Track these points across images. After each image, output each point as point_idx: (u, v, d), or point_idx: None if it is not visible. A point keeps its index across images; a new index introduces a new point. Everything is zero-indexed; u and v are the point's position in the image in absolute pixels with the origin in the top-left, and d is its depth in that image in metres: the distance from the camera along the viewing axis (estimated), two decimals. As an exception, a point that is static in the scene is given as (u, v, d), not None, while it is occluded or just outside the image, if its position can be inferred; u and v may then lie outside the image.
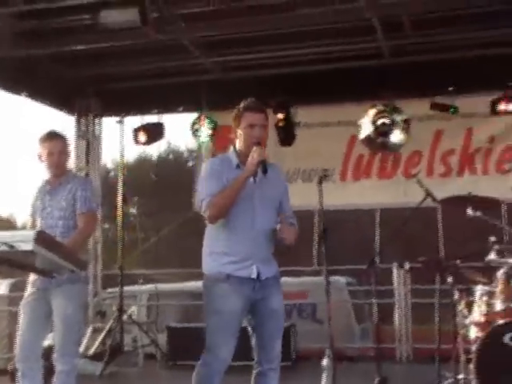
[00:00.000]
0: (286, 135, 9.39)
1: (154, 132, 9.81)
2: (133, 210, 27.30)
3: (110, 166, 24.60)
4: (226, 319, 4.26)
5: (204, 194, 4.27)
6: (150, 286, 12.25)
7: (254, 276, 4.26)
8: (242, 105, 4.38)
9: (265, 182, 4.30)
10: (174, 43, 8.44)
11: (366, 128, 8.99)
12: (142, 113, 10.02)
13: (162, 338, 9.36)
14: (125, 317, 9.28)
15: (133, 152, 31.13)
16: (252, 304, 4.31)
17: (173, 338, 8.98)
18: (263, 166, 4.19)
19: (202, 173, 4.43)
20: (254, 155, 4.16)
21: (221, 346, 4.27)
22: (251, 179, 4.24)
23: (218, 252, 4.33)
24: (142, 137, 9.77)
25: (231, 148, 4.43)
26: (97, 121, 10.51)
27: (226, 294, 4.26)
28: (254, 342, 4.40)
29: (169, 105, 9.98)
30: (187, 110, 10.04)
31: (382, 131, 8.86)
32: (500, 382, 5.04)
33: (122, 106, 9.99)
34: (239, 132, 4.35)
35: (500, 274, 5.51)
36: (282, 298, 4.42)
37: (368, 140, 9.11)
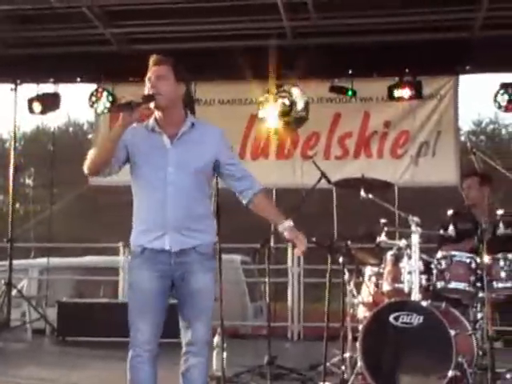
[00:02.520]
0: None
1: (50, 102, 9.55)
2: (29, 182, 26.64)
3: (6, 136, 23.90)
4: (139, 295, 3.95)
5: None
6: (41, 260, 11.99)
7: (166, 247, 3.90)
8: None
9: (187, 142, 3.96)
10: (74, 11, 8.20)
11: (265, 107, 8.98)
12: (38, 81, 9.71)
13: (53, 313, 9.17)
14: (14, 291, 9.06)
15: (31, 123, 30.35)
16: (173, 281, 3.94)
17: (63, 313, 8.80)
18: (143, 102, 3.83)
19: None
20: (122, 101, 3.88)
21: (137, 324, 3.92)
22: (167, 141, 3.94)
23: (135, 224, 4.03)
24: (37, 107, 9.53)
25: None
26: (-10, 88, 10.14)
27: (140, 269, 3.95)
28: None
29: (66, 75, 9.68)
30: (85, 81, 9.75)
31: (281, 111, 8.87)
32: (384, 359, 5.13)
33: (16, 73, 9.66)
34: None
35: (389, 255, 5.63)
36: (208, 276, 3.99)
37: (267, 119, 9.10)
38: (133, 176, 4.03)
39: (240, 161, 4.47)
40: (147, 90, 3.93)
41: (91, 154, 3.92)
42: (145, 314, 3.91)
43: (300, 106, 8.99)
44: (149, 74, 3.96)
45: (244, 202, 4.08)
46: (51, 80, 9.64)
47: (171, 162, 3.91)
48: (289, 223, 3.97)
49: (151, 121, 4.00)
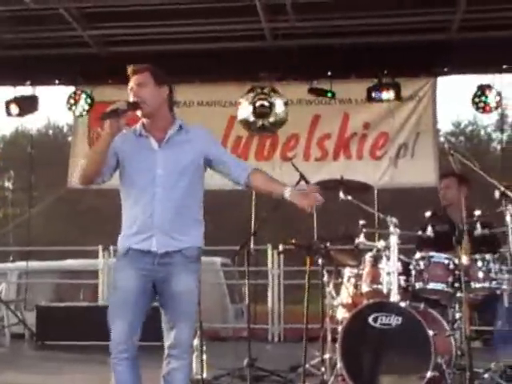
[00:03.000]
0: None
1: (27, 104, 9.50)
2: (8, 185, 26.50)
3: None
4: (120, 296, 3.95)
5: None
6: (20, 264, 11.91)
7: (153, 249, 3.91)
8: None
9: (175, 145, 3.99)
10: (51, 13, 8.15)
11: (244, 109, 8.98)
12: (15, 84, 9.66)
13: (32, 318, 9.11)
14: (-8, 295, 9.02)
15: (10, 125, 30.17)
16: (155, 283, 3.94)
17: (42, 318, 8.76)
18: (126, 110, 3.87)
19: None
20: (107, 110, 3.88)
21: (115, 325, 3.91)
22: (155, 145, 3.98)
23: (124, 226, 4.03)
24: (15, 109, 9.48)
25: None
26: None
27: (123, 269, 3.97)
28: None
29: (44, 77, 9.64)
30: (63, 83, 9.71)
31: (261, 113, 8.87)
32: (363, 360, 5.14)
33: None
34: None
35: (368, 256, 5.63)
36: (192, 280, 3.97)
37: (246, 121, 9.11)
38: (122, 180, 4.04)
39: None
40: (131, 99, 3.96)
41: (82, 164, 3.95)
42: (123, 312, 3.90)
43: (279, 107, 9.00)
44: (130, 84, 4.00)
45: (242, 184, 4.07)
46: (28, 82, 9.59)
47: (160, 164, 3.93)
48: (290, 189, 3.96)
49: (138, 126, 4.04)
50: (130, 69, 4.05)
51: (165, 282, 3.91)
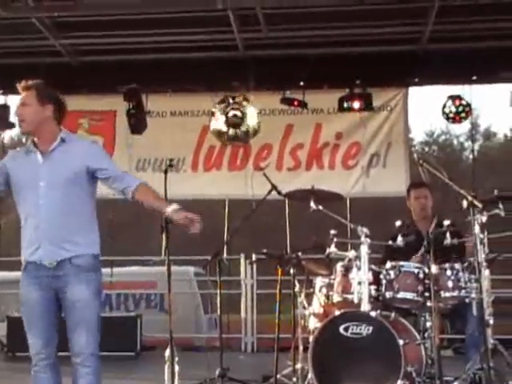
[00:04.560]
0: (137, 123, 9.27)
1: (-1, 113, 9.40)
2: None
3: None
4: (26, 308, 4.14)
5: None
6: (-10, 272, 11.80)
7: (43, 261, 4.05)
8: None
9: (56, 156, 4.15)
10: (21, 22, 8.11)
11: (217, 119, 8.99)
12: (-14, 93, 9.60)
13: (3, 329, 9.02)
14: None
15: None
16: (56, 293, 4.10)
17: (13, 329, 8.67)
18: None
19: None
20: None
21: (30, 338, 4.12)
22: (39, 158, 4.14)
23: (21, 241, 4.20)
24: (-15, 118, 9.35)
25: None
26: None
27: (24, 284, 4.14)
28: None
29: (15, 86, 9.52)
30: (35, 92, 9.65)
31: (233, 123, 8.89)
32: (334, 370, 5.16)
33: (-38, 84, 9.57)
34: None
35: (339, 266, 5.64)
36: (85, 287, 4.08)
37: (218, 131, 9.12)
38: (14, 196, 4.22)
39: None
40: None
41: None
42: (32, 326, 4.10)
43: (251, 117, 9.02)
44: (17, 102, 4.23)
45: (128, 197, 4.21)
46: (0, 92, 9.52)
47: (42, 177, 4.11)
48: (174, 206, 4.10)
49: (29, 142, 4.25)
50: (18, 85, 4.25)
51: (61, 293, 4.08)
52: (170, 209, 4.10)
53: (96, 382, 4.15)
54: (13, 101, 9.66)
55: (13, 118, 3.87)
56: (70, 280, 4.06)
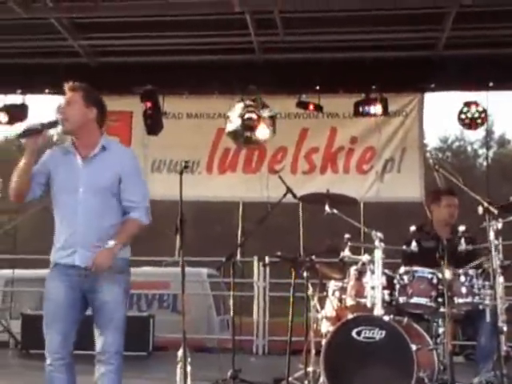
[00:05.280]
0: (153, 124, 9.31)
1: (17, 113, 9.47)
2: (-3, 193, 26.36)
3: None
4: (50, 305, 4.20)
5: None
6: (6, 272, 11.84)
7: (77, 263, 4.14)
8: None
9: (96, 164, 4.20)
10: (41, 22, 8.16)
11: (233, 121, 9.00)
12: (5, 92, 9.69)
13: (17, 326, 9.05)
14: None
15: (-1, 133, 30.08)
16: (84, 294, 4.19)
17: (27, 326, 8.69)
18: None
19: None
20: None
21: (49, 335, 4.17)
22: (80, 163, 4.18)
23: (54, 241, 4.27)
24: (4, 117, 9.50)
25: None
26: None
27: (53, 281, 4.21)
28: None
29: (33, 86, 9.63)
30: (53, 92, 9.70)
31: (249, 126, 8.90)
32: (347, 374, 5.15)
33: (-17, 84, 9.67)
34: None
35: (352, 270, 5.63)
36: (117, 288, 4.20)
37: (234, 133, 9.14)
38: (51, 196, 4.27)
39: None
40: (56, 116, 4.20)
41: (11, 183, 4.20)
42: (54, 323, 4.15)
43: (267, 120, 9.02)
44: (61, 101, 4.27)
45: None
46: (19, 91, 9.59)
47: (82, 183, 4.16)
48: (111, 243, 4.11)
49: (68, 143, 4.27)
50: (66, 85, 4.29)
51: (91, 293, 4.16)
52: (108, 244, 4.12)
53: (118, 380, 4.22)
54: (31, 100, 9.77)
55: (54, 116, 3.91)
56: (103, 281, 4.13)
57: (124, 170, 4.23)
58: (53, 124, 4.14)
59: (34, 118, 9.75)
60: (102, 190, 4.16)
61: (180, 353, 5.65)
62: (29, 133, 4.08)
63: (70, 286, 4.15)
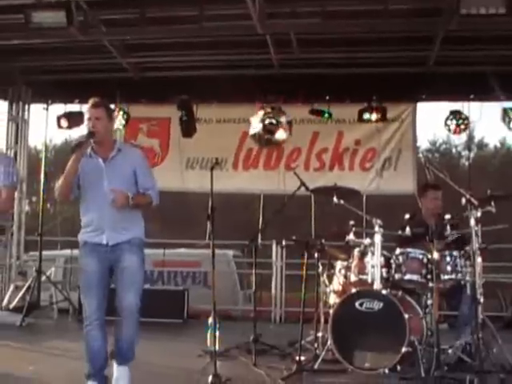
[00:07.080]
0: (188, 128, 9.37)
1: (75, 119, 9.52)
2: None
3: (39, 147, 23.86)
4: (86, 277, 4.44)
5: None
6: (66, 251, 11.99)
7: (104, 242, 4.43)
8: None
9: (116, 162, 4.50)
10: (96, 44, 8.24)
11: (255, 126, 9.02)
12: (65, 102, 9.75)
13: (75, 296, 9.17)
14: (43, 277, 9.09)
15: (60, 136, 30.31)
16: (110, 265, 4.46)
17: (83, 296, 8.78)
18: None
19: None
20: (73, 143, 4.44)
21: (86, 302, 4.44)
22: (101, 163, 4.47)
23: (82, 224, 4.55)
24: (64, 123, 9.55)
25: None
26: (26, 107, 10.16)
27: (85, 257, 4.47)
28: None
29: (89, 97, 9.66)
30: (106, 102, 9.79)
31: (269, 129, 8.92)
32: (350, 338, 5.20)
33: (48, 95, 9.77)
34: None
35: (356, 251, 5.68)
36: (135, 258, 4.47)
37: (256, 136, 9.17)
38: (80, 192, 4.54)
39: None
40: (88, 128, 4.45)
41: (58, 185, 4.44)
42: (90, 290, 4.41)
43: (284, 125, 9.03)
44: (88, 115, 4.51)
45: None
46: (77, 101, 9.67)
47: (105, 178, 4.46)
48: (129, 193, 4.43)
49: (89, 149, 4.50)
50: (90, 101, 4.56)
51: (116, 262, 4.45)
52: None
53: (136, 329, 4.47)
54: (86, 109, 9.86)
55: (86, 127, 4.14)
56: (124, 253, 4.45)
57: (137, 165, 4.58)
58: (91, 135, 4.39)
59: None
60: (122, 182, 4.45)
61: (210, 320, 5.75)
62: (80, 144, 4.34)
63: (98, 259, 4.41)
